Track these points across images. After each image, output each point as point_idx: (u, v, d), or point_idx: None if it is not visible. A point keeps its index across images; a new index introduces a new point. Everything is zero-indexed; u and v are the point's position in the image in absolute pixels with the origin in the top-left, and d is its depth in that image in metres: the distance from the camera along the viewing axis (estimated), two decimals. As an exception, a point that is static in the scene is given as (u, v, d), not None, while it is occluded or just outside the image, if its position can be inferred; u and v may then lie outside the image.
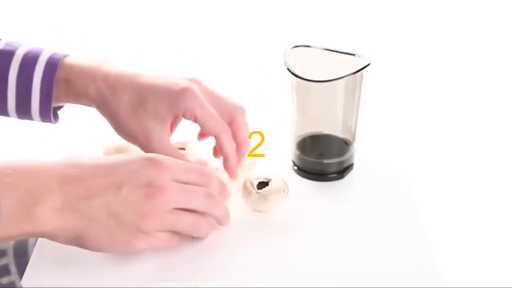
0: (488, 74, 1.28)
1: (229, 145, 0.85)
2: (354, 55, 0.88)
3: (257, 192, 0.85)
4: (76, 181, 0.72)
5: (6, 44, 0.87)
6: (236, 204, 0.86)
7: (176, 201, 0.74)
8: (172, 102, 0.82)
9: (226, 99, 0.86)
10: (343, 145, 0.91)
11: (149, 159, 0.74)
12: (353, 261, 0.78)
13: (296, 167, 0.93)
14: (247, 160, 0.92)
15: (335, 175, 0.91)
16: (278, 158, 0.95)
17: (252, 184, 0.86)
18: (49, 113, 0.86)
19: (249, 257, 0.79)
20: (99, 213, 0.72)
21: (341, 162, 0.91)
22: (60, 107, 0.91)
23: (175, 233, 0.76)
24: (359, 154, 0.94)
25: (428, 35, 1.41)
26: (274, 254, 0.79)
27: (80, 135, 1.01)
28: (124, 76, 0.83)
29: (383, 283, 0.75)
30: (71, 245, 0.74)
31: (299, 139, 0.92)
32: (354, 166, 0.94)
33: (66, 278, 0.76)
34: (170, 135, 0.85)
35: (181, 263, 0.77)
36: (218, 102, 0.85)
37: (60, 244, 0.79)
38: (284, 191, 0.85)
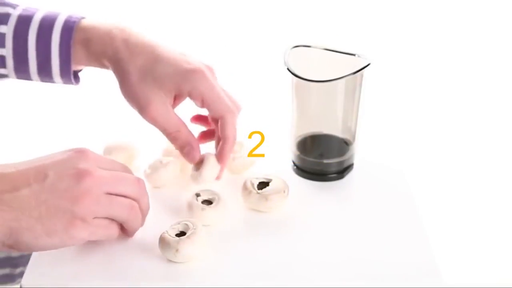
0: (488, 74, 1.28)
1: (232, 127, 0.85)
2: (354, 55, 0.88)
3: (257, 192, 0.85)
4: None
5: (24, 9, 0.88)
6: (236, 204, 0.86)
7: (107, 183, 0.73)
8: (181, 79, 0.83)
9: (229, 95, 0.87)
10: (343, 145, 0.91)
11: (73, 149, 0.74)
12: (353, 261, 0.78)
13: (296, 167, 0.93)
14: (247, 160, 0.92)
15: (335, 175, 0.91)
16: (278, 158, 0.95)
17: (252, 184, 0.86)
18: (69, 75, 0.88)
19: (249, 257, 0.79)
20: (27, 203, 0.70)
21: (341, 162, 0.91)
22: (80, 70, 0.92)
23: (113, 221, 0.75)
24: (359, 154, 0.94)
25: (428, 35, 1.41)
26: (274, 254, 0.79)
27: (81, 135, 1.01)
28: (145, 41, 0.85)
29: (383, 283, 0.75)
30: (11, 248, 0.71)
31: (299, 139, 0.92)
32: (354, 166, 0.94)
33: (66, 278, 0.76)
34: (171, 110, 0.85)
35: (181, 263, 0.77)
36: (215, 96, 0.85)
37: (60, 244, 0.79)
38: (284, 191, 0.85)
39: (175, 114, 0.85)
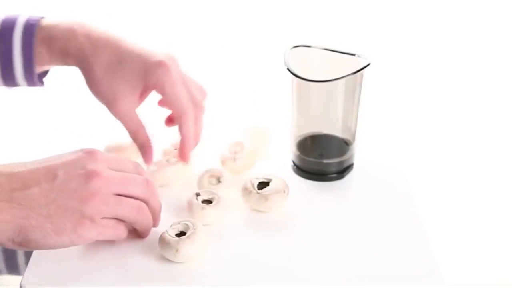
0: (488, 74, 1.28)
1: (188, 127, 0.86)
2: (354, 55, 0.88)
3: (257, 192, 0.85)
4: (8, 176, 0.71)
5: None
6: (236, 204, 0.86)
7: (116, 184, 0.74)
8: (146, 72, 0.83)
9: (192, 87, 0.87)
10: (343, 145, 0.91)
11: (83, 150, 0.75)
12: (353, 261, 0.78)
13: (296, 167, 0.93)
14: (247, 160, 0.92)
15: (335, 175, 0.91)
16: (278, 158, 0.95)
17: (252, 184, 0.86)
18: (33, 75, 0.87)
19: (249, 257, 0.79)
20: (37, 202, 0.70)
21: (341, 162, 0.91)
22: (45, 74, 0.92)
23: (121, 221, 0.76)
24: (359, 154, 0.94)
25: (428, 35, 1.41)
26: (274, 254, 0.79)
27: (82, 135, 1.01)
28: (107, 36, 0.85)
29: (383, 283, 0.75)
30: (20, 246, 0.72)
31: (299, 139, 0.92)
32: (354, 166, 0.94)
33: (66, 278, 0.76)
34: (138, 105, 0.86)
35: (181, 264, 0.77)
36: (175, 94, 0.86)
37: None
38: (284, 191, 0.85)
39: (136, 114, 0.86)
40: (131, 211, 0.75)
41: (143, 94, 0.87)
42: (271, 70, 1.12)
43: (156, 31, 1.45)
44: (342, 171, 0.91)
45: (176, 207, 0.86)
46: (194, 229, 0.78)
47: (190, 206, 0.83)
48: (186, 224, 0.79)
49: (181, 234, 0.78)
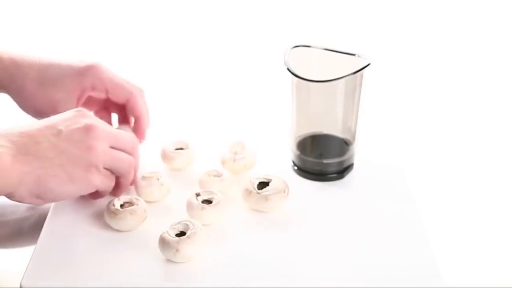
0: (488, 74, 1.28)
1: (140, 106, 0.91)
2: (354, 55, 0.88)
3: (257, 192, 0.85)
4: (18, 134, 0.77)
5: None
6: (236, 204, 0.86)
7: (111, 137, 0.81)
8: (80, 76, 0.88)
9: (123, 82, 0.91)
10: (343, 145, 0.91)
11: (77, 109, 0.81)
12: (353, 261, 0.78)
13: (296, 167, 0.93)
14: (247, 161, 0.92)
15: (335, 175, 0.91)
16: (278, 158, 0.95)
17: (252, 184, 0.86)
18: None
19: (249, 257, 0.79)
20: (49, 153, 0.77)
21: (341, 162, 0.91)
22: None
23: (112, 174, 0.82)
24: (359, 154, 0.94)
25: (428, 35, 1.41)
26: (274, 254, 0.79)
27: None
28: (29, 56, 0.90)
29: (383, 283, 0.75)
30: (38, 198, 0.78)
31: (299, 139, 0.92)
32: (354, 166, 0.94)
33: (66, 278, 0.76)
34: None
35: (181, 263, 0.77)
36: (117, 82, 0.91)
37: (60, 244, 0.79)
38: (284, 191, 0.85)
39: None
40: (124, 164, 0.82)
41: (80, 99, 0.90)
42: (271, 70, 1.12)
43: (156, 31, 1.45)
44: (342, 171, 0.91)
45: (176, 207, 0.86)
46: (194, 229, 0.78)
47: (190, 206, 0.83)
48: (186, 224, 0.79)
49: (181, 234, 0.78)
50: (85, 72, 0.88)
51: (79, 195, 0.81)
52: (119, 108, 0.94)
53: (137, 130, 0.92)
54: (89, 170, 0.78)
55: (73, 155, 0.77)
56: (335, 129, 0.91)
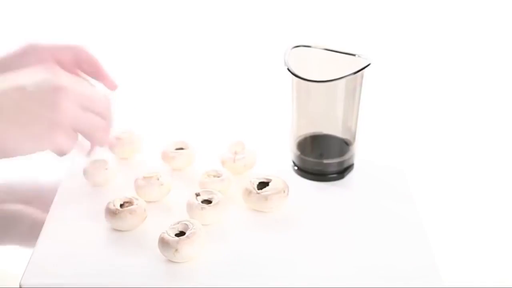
0: (488, 74, 1.28)
1: (91, 54, 0.88)
2: (354, 55, 0.88)
3: (257, 192, 0.85)
4: None
5: None
6: (236, 204, 0.86)
7: (81, 96, 0.76)
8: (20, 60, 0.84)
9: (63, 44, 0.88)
10: (343, 145, 0.91)
11: (48, 66, 0.77)
12: (353, 261, 0.78)
13: (296, 167, 0.93)
14: (247, 161, 0.92)
15: (335, 175, 0.91)
16: (278, 158, 0.95)
17: (252, 184, 0.86)
18: None
19: (248, 257, 0.79)
20: (10, 112, 0.73)
21: (341, 163, 0.91)
22: None
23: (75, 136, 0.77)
24: (359, 154, 0.94)
25: (428, 35, 1.41)
26: (274, 254, 0.79)
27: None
28: None
29: (383, 283, 0.75)
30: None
31: (299, 139, 0.92)
32: (354, 166, 0.94)
33: (66, 277, 0.76)
34: None
35: (181, 263, 0.77)
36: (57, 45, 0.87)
37: (59, 243, 0.79)
38: (284, 191, 0.85)
39: None
40: (94, 127, 0.78)
41: None
42: (271, 70, 1.12)
43: (156, 31, 1.45)
44: (342, 171, 0.91)
45: (176, 207, 0.86)
46: (194, 229, 0.78)
47: (189, 206, 0.83)
48: (186, 224, 0.79)
49: (181, 234, 0.78)
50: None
51: (45, 150, 0.76)
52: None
53: (103, 79, 0.89)
54: (53, 129, 0.74)
55: (36, 114, 0.73)
56: (335, 129, 0.91)
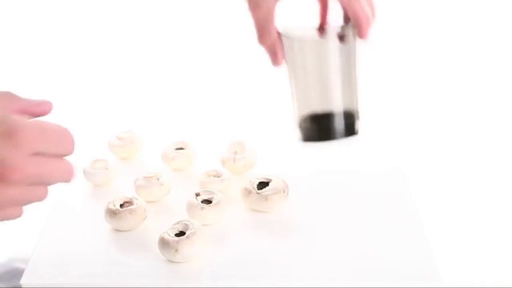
0: (488, 73, 1.28)
1: (356, 7, 0.81)
2: (339, 24, 0.86)
3: (257, 192, 0.85)
4: None
5: None
6: (236, 204, 0.86)
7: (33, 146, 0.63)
8: None
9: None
10: (348, 112, 0.87)
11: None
12: (353, 261, 0.78)
13: (303, 133, 0.87)
14: (248, 161, 0.92)
15: (345, 131, 0.86)
16: (278, 158, 0.95)
17: (252, 184, 0.86)
18: None
19: (248, 257, 0.79)
20: None
21: (350, 114, 0.85)
22: None
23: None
24: (359, 155, 0.94)
25: (428, 35, 1.41)
26: (273, 254, 0.79)
27: (85, 129, 1.01)
28: None
29: (383, 283, 0.75)
30: None
31: (302, 117, 0.89)
32: (355, 166, 0.93)
33: (66, 278, 0.76)
34: None
35: (181, 263, 0.77)
36: None
37: (59, 243, 0.79)
38: (284, 191, 0.85)
39: None
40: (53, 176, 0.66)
41: None
42: (271, 70, 1.12)
43: (157, 32, 1.45)
44: (352, 125, 0.86)
45: (176, 207, 0.86)
46: (194, 229, 0.78)
47: (189, 206, 0.83)
48: (186, 224, 0.79)
49: (181, 234, 0.78)
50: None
51: None
52: None
53: (359, 31, 0.82)
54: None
55: None
56: (336, 104, 0.87)
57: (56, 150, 0.66)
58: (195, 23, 1.46)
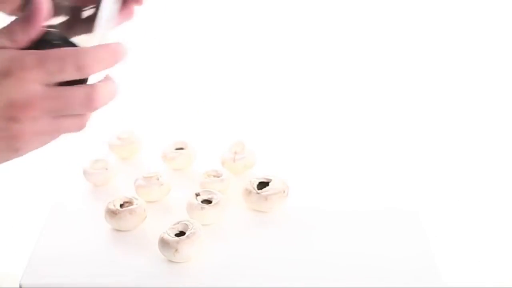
0: (488, 73, 1.29)
1: None
2: None
3: (257, 192, 0.85)
4: None
5: None
6: (236, 204, 0.86)
7: (50, 110, 0.61)
8: None
9: None
10: None
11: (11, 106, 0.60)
12: (353, 261, 0.78)
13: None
14: (247, 161, 0.92)
15: None
16: (278, 158, 0.95)
17: (252, 184, 0.86)
18: None
19: (248, 257, 0.79)
20: None
21: None
22: None
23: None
24: (359, 155, 0.94)
25: (428, 35, 1.41)
26: (273, 254, 0.79)
27: (83, 132, 1.01)
28: None
29: (383, 283, 0.75)
30: None
31: None
32: (354, 166, 0.93)
33: (66, 278, 0.76)
34: None
35: (181, 263, 0.77)
36: None
37: (59, 243, 0.80)
38: (284, 191, 0.85)
39: None
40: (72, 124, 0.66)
41: None
42: (271, 70, 1.12)
43: (157, 31, 1.45)
44: None
45: (176, 207, 0.86)
46: (194, 229, 0.78)
47: (189, 206, 0.83)
48: (186, 224, 0.79)
49: (181, 234, 0.78)
50: None
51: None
52: None
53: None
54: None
55: None
56: None
57: (65, 75, 0.62)
58: (195, 23, 1.46)
